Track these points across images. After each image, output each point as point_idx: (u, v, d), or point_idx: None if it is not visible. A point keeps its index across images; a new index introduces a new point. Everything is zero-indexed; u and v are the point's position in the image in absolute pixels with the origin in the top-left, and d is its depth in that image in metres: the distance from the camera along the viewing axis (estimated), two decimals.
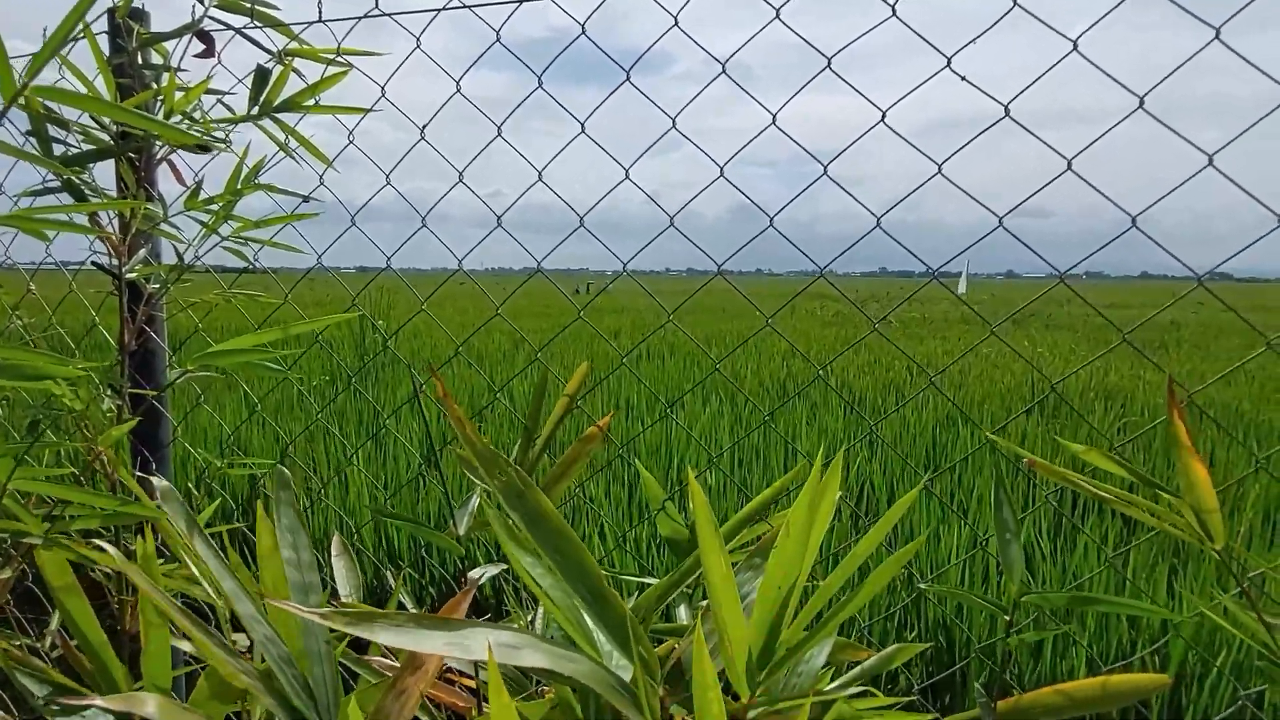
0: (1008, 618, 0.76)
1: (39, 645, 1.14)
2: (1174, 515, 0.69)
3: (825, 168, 1.01)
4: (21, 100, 1.11)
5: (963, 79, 0.93)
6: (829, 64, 0.99)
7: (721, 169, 1.07)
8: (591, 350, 6.77)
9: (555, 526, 0.54)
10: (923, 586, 0.86)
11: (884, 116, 0.98)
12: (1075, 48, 0.87)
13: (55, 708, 0.77)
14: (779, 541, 0.42)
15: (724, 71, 1.04)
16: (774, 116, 1.02)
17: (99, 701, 0.57)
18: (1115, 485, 0.82)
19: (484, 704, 0.76)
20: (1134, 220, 0.87)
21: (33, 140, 1.12)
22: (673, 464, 3.39)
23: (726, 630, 0.42)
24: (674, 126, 1.08)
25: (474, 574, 0.88)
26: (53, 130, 1.15)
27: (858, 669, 0.57)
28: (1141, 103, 0.84)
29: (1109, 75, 0.85)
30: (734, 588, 0.41)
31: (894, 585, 2.29)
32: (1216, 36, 0.79)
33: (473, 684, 0.91)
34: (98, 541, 0.93)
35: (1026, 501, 3.13)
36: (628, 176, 1.11)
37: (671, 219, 1.10)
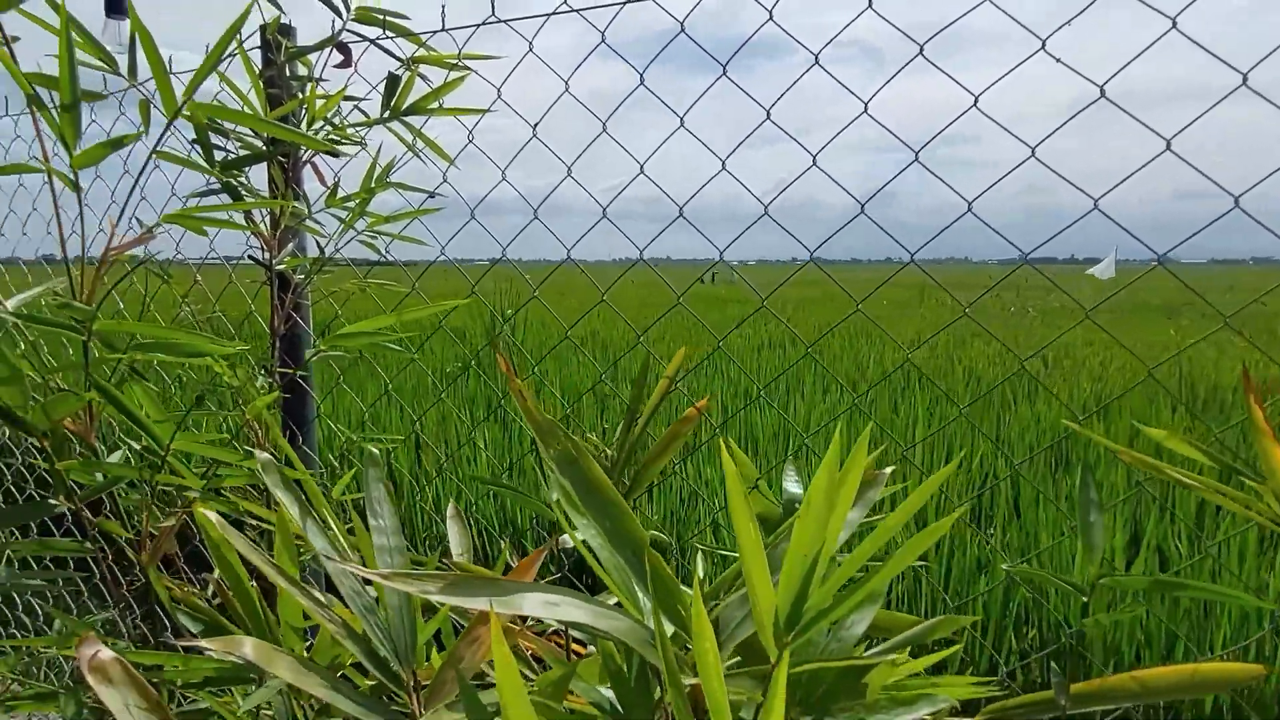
0: (1085, 599, 0.76)
1: (203, 593, 1.29)
2: (1257, 501, 0.68)
3: (916, 154, 1.02)
4: (188, 112, 1.26)
5: (1057, 61, 0.92)
6: (921, 50, 1.00)
7: (814, 157, 1.09)
8: (713, 340, 6.80)
9: (606, 495, 0.59)
10: (1005, 567, 0.86)
11: (976, 102, 0.98)
12: (1174, 25, 0.85)
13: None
14: (801, 511, 0.46)
15: (816, 62, 1.07)
16: (865, 105, 1.04)
17: (203, 643, 0.67)
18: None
19: (571, 655, 0.83)
20: (1237, 200, 0.84)
21: (198, 147, 1.27)
22: (789, 449, 3.40)
23: (755, 594, 0.46)
24: (768, 118, 1.11)
25: (565, 538, 0.95)
26: (214, 138, 1.30)
27: (897, 638, 0.60)
28: (1245, 80, 0.81)
29: (1210, 52, 0.83)
30: (762, 553, 0.45)
31: (1011, 581, 2.23)
32: None
33: (562, 641, 0.98)
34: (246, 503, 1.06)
35: (1166, 503, 2.96)
36: (724, 168, 1.15)
37: (765, 208, 1.14)
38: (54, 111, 0.78)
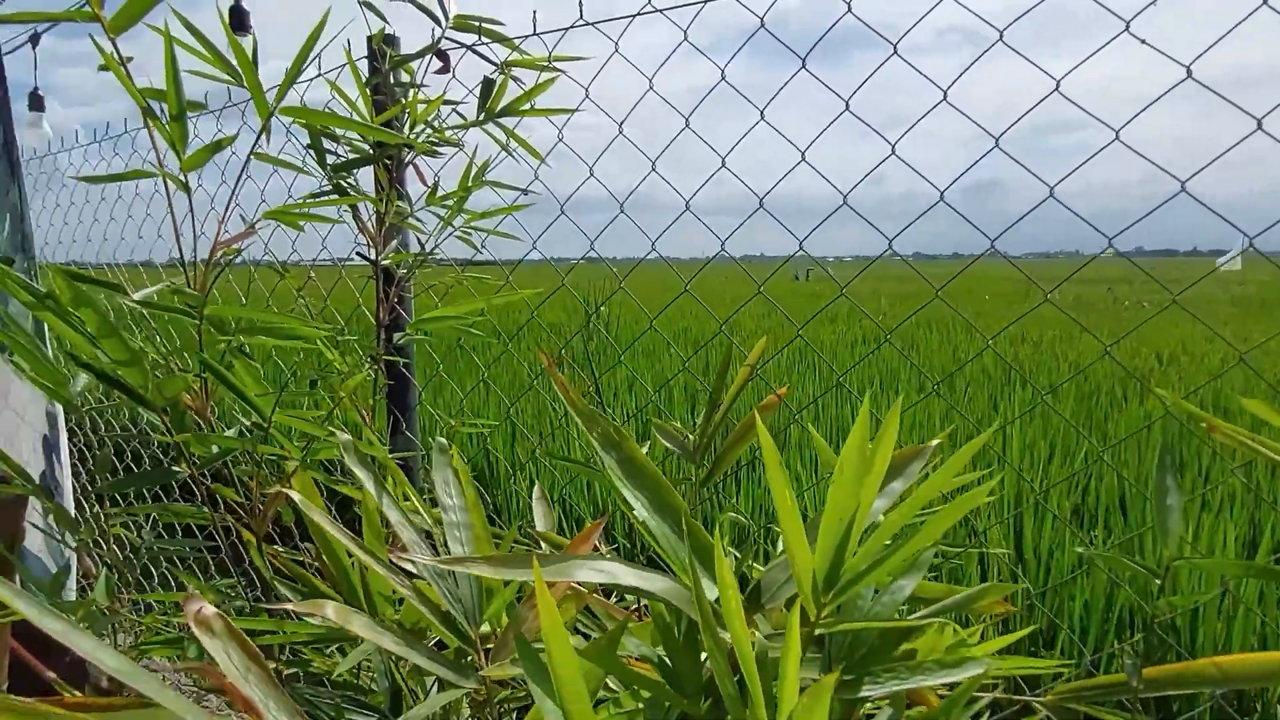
0: (1159, 582, 0.76)
1: (314, 562, 1.40)
2: None
3: (997, 140, 1.02)
4: (284, 119, 1.35)
5: (1142, 42, 0.91)
6: (1001, 37, 1.00)
7: (893, 147, 1.10)
8: (805, 333, 6.74)
9: (648, 471, 0.64)
10: (1080, 550, 0.86)
11: (1058, 86, 0.97)
12: (1265, 2, 0.83)
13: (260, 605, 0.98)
14: (835, 477, 0.48)
15: (895, 52, 1.08)
16: (945, 93, 1.04)
17: (290, 606, 0.75)
18: None
19: (643, 617, 0.87)
20: None
21: (311, 152, 1.37)
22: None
23: (793, 555, 0.49)
24: (847, 108, 1.13)
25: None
26: (326, 143, 1.39)
27: (939, 604, 0.61)
28: None
29: None
30: (798, 517, 0.48)
31: (1114, 582, 2.15)
32: None
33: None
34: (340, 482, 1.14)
35: None
36: (803, 158, 1.17)
37: (844, 197, 1.15)
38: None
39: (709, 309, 1.49)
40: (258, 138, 0.90)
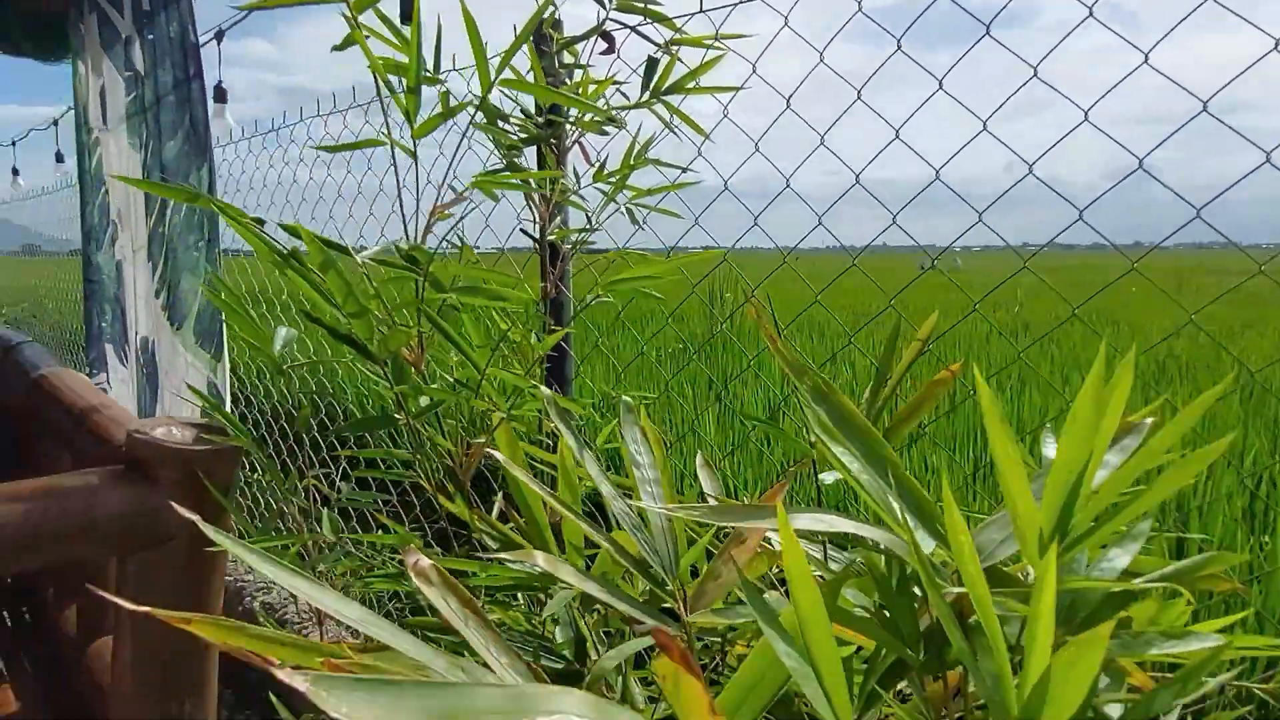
0: None
1: (490, 517, 1.48)
2: None
3: (1205, 104, 0.97)
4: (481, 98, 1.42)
5: None
6: None
7: (1086, 114, 1.07)
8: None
9: (858, 422, 0.64)
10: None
11: (1277, 45, 0.92)
12: None
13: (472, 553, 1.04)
14: (1067, 426, 0.46)
15: (1091, 14, 1.04)
16: (1146, 56, 1.00)
17: (504, 555, 0.80)
18: None
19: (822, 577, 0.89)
20: None
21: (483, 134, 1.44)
22: (1025, 441, 3.23)
23: (1015, 508, 0.47)
24: (1035, 75, 1.10)
25: (824, 476, 1.00)
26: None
27: (1159, 572, 0.59)
28: None
29: None
30: (1023, 471, 0.46)
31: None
32: None
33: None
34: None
35: None
36: (985, 128, 1.15)
37: (1030, 167, 1.12)
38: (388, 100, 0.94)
39: (878, 284, 1.49)
40: (478, 108, 0.96)
